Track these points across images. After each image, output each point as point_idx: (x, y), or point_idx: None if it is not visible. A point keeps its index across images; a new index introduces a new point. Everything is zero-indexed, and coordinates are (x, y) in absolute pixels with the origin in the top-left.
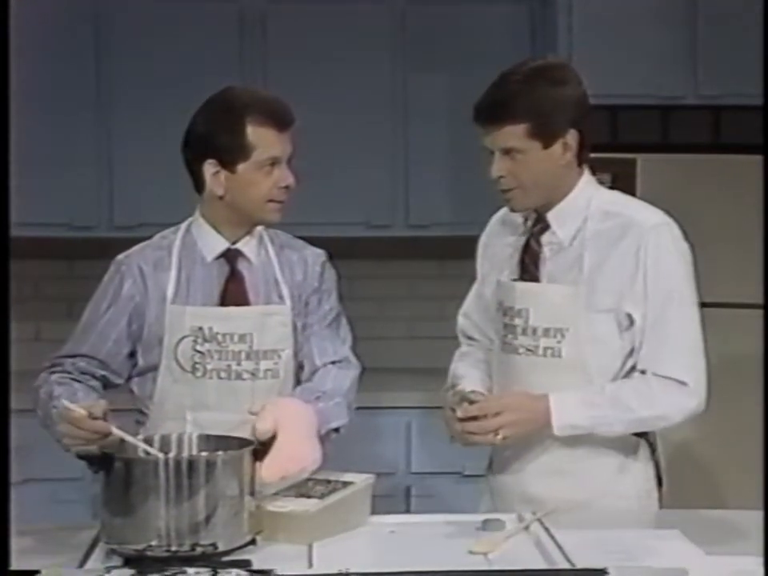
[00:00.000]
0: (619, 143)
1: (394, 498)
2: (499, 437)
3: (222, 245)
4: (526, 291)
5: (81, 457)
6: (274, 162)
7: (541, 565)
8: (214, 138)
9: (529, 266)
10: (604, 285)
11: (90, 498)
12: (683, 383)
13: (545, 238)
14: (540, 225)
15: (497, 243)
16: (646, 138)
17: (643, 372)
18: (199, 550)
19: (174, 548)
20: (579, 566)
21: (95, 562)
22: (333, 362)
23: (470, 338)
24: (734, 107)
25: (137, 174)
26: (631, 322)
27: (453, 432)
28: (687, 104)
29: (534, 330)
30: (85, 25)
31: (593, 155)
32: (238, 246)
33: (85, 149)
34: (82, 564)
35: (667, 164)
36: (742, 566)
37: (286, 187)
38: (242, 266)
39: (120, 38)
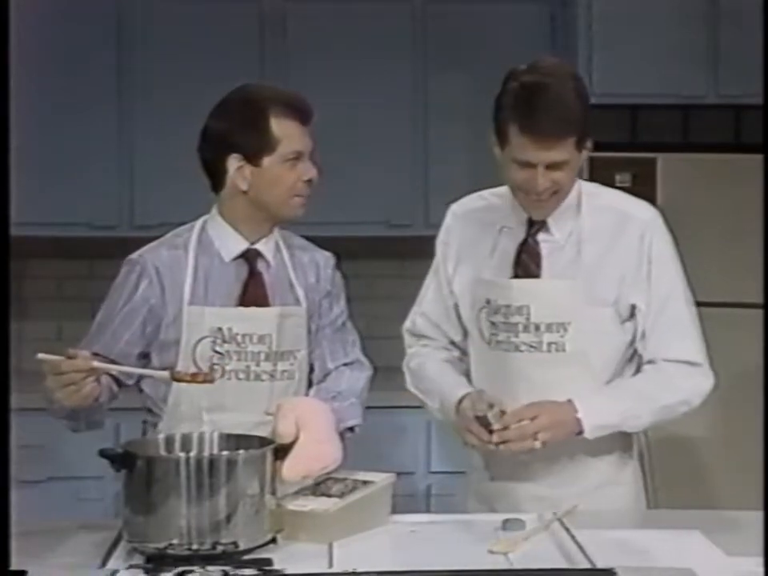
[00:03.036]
0: (639, 143)
1: (414, 497)
2: (538, 441)
3: (241, 245)
4: (524, 288)
5: (103, 455)
6: (298, 156)
7: (561, 565)
8: (236, 133)
9: (528, 265)
10: (605, 278)
11: (112, 497)
12: (697, 364)
13: (541, 237)
14: (537, 225)
15: (463, 241)
16: (666, 137)
17: (651, 361)
18: (220, 548)
19: (195, 546)
20: (600, 565)
21: (117, 559)
22: (345, 364)
23: (424, 338)
24: (754, 107)
25: (157, 174)
26: (632, 312)
27: (479, 441)
28: (708, 103)
29: (537, 327)
30: (106, 25)
31: (613, 155)
32: (258, 246)
33: (105, 149)
34: (104, 562)
35: (687, 163)
36: (749, 567)
37: (309, 181)
38: (261, 266)
39: (141, 37)
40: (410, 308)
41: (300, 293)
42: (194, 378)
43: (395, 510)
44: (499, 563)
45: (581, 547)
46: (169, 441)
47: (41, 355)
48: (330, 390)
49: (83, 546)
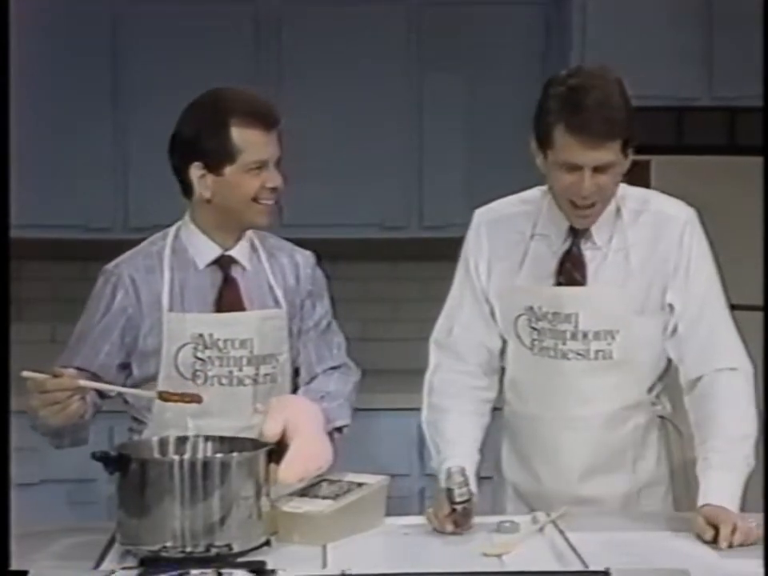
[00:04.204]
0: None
1: (407, 499)
2: (754, 523)
3: (214, 251)
4: (573, 296)
5: (97, 458)
6: (261, 165)
7: (554, 567)
8: (199, 141)
9: (571, 273)
10: (652, 285)
11: (105, 499)
12: (738, 369)
13: (583, 245)
14: (582, 233)
15: (494, 248)
16: (660, 139)
17: (699, 379)
18: (214, 551)
19: (188, 549)
20: (593, 567)
21: (111, 562)
22: (332, 368)
23: (457, 357)
24: (749, 109)
25: (151, 177)
26: (672, 311)
27: (435, 519)
28: (702, 105)
29: (585, 334)
30: (101, 28)
31: None
32: (232, 252)
33: (100, 151)
34: (97, 565)
35: (681, 166)
36: (749, 569)
37: (274, 189)
38: (235, 272)
39: (136, 41)
40: (405, 310)
41: (279, 295)
42: (181, 398)
43: (389, 512)
44: (493, 565)
45: (574, 549)
46: (163, 443)
47: (25, 373)
48: (319, 390)
49: (76, 548)
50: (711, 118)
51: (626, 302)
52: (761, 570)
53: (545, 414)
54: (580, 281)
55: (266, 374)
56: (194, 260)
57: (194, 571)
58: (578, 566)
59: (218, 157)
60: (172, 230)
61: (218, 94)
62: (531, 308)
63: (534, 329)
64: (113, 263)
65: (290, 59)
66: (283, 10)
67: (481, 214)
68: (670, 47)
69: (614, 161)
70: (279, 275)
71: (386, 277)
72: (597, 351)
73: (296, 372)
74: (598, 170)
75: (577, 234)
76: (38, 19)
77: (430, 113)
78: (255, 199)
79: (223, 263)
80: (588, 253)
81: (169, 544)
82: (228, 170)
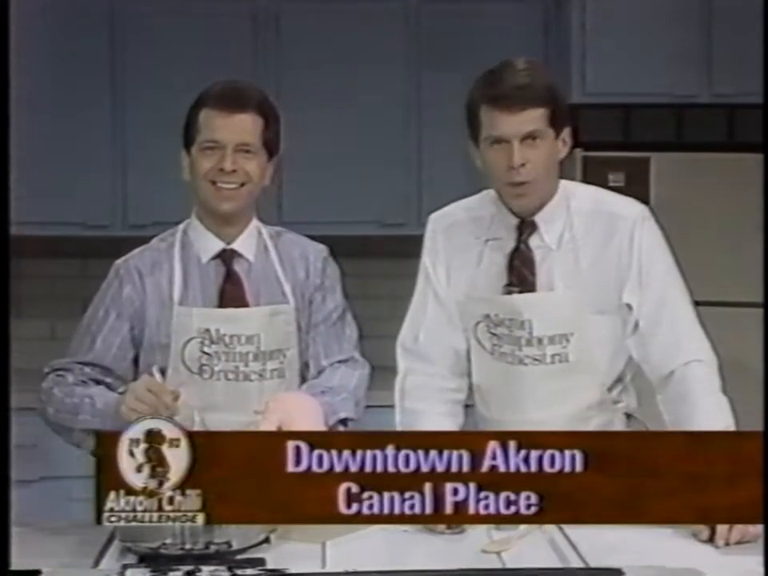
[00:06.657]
0: (633, 142)
1: None
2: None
3: (216, 245)
4: (526, 303)
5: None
6: (215, 146)
7: (555, 564)
8: (185, 127)
9: (522, 272)
10: (603, 285)
11: None
12: (704, 361)
13: (533, 242)
14: (528, 229)
15: (449, 254)
16: (659, 136)
17: (670, 375)
18: (213, 548)
19: (188, 546)
20: (593, 565)
21: (110, 560)
22: (340, 361)
23: (425, 361)
24: (748, 106)
25: (150, 174)
26: (630, 310)
27: None
28: (701, 102)
29: (540, 340)
30: (99, 25)
31: (606, 154)
32: (234, 246)
33: (99, 148)
34: (97, 562)
35: (681, 163)
36: (750, 566)
37: (232, 172)
38: (238, 266)
39: (134, 38)
40: (404, 308)
41: (287, 289)
42: None
43: None
44: (492, 563)
45: (574, 546)
46: None
47: (155, 371)
48: (321, 385)
49: (76, 545)
50: (710, 116)
51: (577, 304)
52: (760, 569)
53: (505, 417)
54: (530, 279)
55: (273, 370)
56: (199, 255)
57: (205, 568)
58: (578, 564)
59: (187, 137)
60: (181, 227)
61: (213, 83)
62: (488, 315)
63: (494, 334)
64: (122, 258)
65: (288, 57)
66: (282, 7)
67: (436, 221)
68: (669, 45)
69: (538, 129)
70: (289, 269)
71: (385, 274)
72: (553, 355)
73: (306, 366)
74: (526, 141)
75: (524, 230)
76: (36, 16)
77: (428, 110)
78: (213, 182)
79: (226, 257)
80: (538, 251)
81: (168, 541)
82: (193, 149)
